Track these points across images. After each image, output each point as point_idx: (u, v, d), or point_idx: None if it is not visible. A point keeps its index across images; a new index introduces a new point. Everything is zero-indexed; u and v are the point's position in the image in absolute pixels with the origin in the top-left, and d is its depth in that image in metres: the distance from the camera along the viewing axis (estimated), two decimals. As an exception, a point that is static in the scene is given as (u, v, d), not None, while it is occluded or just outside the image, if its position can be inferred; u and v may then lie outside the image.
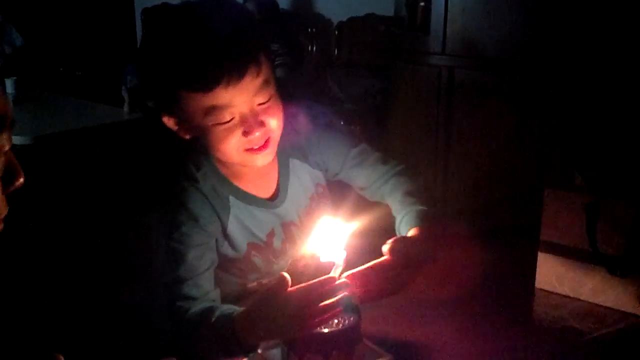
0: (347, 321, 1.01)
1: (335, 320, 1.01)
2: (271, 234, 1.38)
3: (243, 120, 1.20)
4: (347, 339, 1.01)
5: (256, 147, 1.24)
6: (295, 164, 1.41)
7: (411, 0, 2.92)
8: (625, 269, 1.27)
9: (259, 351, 1.09)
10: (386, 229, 1.37)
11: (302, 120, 1.41)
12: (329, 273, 1.03)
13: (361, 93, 3.81)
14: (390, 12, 3.63)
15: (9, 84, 4.07)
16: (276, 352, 1.07)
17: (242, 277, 1.39)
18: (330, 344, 1.00)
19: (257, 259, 1.38)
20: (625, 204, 1.26)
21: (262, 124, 1.21)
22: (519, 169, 2.56)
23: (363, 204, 1.38)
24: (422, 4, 2.78)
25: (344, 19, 4.21)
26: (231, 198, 1.32)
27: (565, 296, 1.35)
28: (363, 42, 4.07)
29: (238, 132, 1.21)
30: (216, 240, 1.32)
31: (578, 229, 1.31)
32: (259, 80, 1.19)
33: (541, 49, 2.44)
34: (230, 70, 1.14)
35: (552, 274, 1.36)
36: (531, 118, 2.52)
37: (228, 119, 1.19)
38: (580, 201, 1.30)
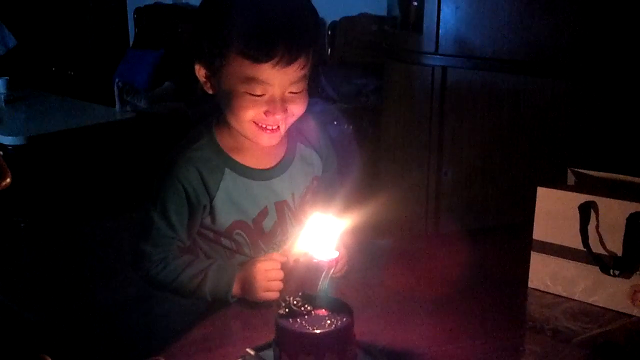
0: (339, 322, 1.01)
1: (328, 321, 1.01)
2: (263, 213, 1.40)
3: (271, 100, 1.27)
4: (339, 339, 1.01)
5: (269, 127, 1.31)
6: (301, 147, 1.46)
7: (404, 0, 2.92)
8: (618, 269, 1.27)
9: (252, 352, 1.08)
10: (378, 226, 1.38)
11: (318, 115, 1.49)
12: (320, 274, 1.03)
13: (354, 92, 3.82)
14: (383, 11, 3.63)
15: (1, 84, 4.06)
16: (268, 353, 1.06)
17: (230, 257, 1.41)
18: (322, 345, 0.99)
19: (243, 240, 1.39)
20: (619, 203, 1.27)
21: (285, 110, 1.29)
22: (512, 168, 2.56)
23: (354, 200, 1.39)
24: (415, 3, 2.78)
25: (337, 19, 4.21)
26: (227, 170, 1.36)
27: (558, 296, 1.35)
28: (356, 41, 4.08)
29: (261, 109, 1.28)
30: (202, 209, 1.36)
31: (571, 228, 1.31)
32: (301, 72, 1.28)
33: (534, 48, 2.45)
34: (284, 52, 1.22)
35: (545, 274, 1.36)
36: (524, 117, 2.52)
37: (259, 93, 1.27)
38: (573, 200, 1.30)
